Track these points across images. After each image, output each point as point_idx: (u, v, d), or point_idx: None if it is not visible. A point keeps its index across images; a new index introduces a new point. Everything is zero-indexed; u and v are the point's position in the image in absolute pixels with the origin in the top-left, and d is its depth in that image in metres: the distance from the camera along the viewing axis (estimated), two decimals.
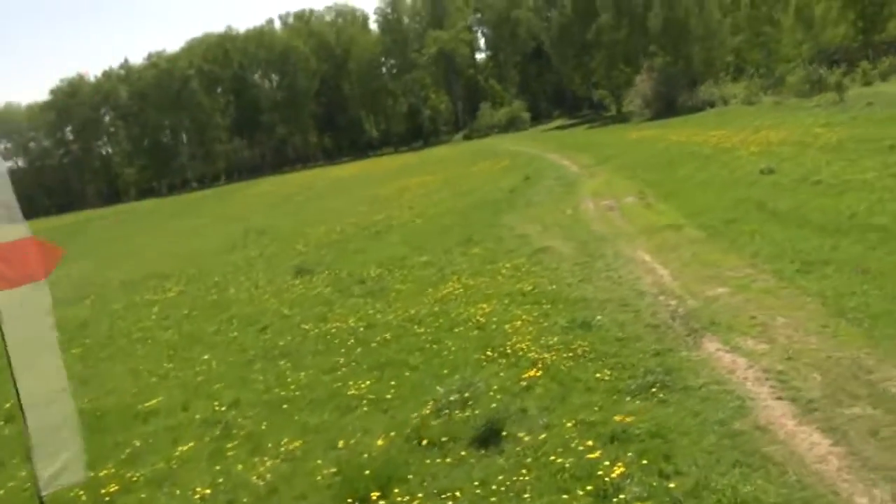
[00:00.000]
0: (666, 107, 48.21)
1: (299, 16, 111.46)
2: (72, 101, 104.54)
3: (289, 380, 8.46)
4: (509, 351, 7.75)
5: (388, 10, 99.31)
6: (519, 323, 8.74)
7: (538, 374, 6.95)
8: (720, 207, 14.27)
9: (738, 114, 35.55)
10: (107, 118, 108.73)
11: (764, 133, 24.17)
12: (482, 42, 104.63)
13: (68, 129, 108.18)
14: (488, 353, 7.85)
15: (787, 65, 48.62)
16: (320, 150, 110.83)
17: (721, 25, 54.55)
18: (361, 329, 9.98)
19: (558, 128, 65.89)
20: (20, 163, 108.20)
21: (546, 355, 7.38)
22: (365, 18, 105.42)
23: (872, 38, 52.42)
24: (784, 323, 7.58)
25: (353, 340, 9.53)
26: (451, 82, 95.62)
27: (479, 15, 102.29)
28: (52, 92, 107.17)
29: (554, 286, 10.39)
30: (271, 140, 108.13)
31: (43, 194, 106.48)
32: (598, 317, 8.61)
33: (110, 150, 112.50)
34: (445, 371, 7.56)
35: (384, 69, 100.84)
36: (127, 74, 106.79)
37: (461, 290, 10.94)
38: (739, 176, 17.89)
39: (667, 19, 52.69)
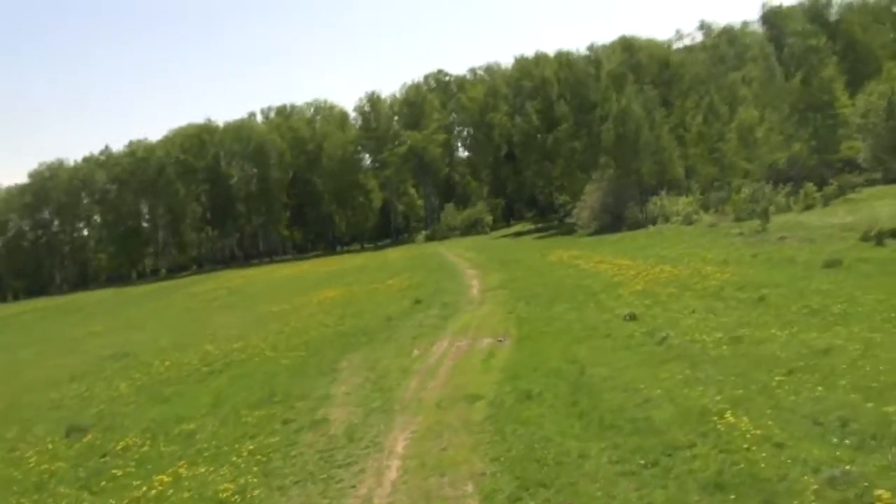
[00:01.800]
0: (613, 220, 47.48)
1: (280, 110, 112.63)
2: (49, 184, 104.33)
3: None
4: None
5: (367, 108, 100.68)
6: None
7: None
8: (545, 370, 12.90)
9: (667, 236, 34.60)
10: (85, 201, 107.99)
11: (658, 268, 23.13)
12: (463, 141, 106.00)
13: (46, 211, 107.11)
14: None
15: (741, 180, 47.80)
16: (290, 244, 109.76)
17: (671, 142, 54.48)
18: None
19: (515, 234, 65.18)
20: None
21: None
22: (344, 115, 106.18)
23: (827, 156, 51.62)
24: None
25: None
26: (422, 180, 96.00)
27: (455, 115, 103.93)
28: (31, 175, 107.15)
29: (258, 491, 8.70)
30: (244, 230, 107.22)
31: (14, 277, 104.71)
32: None
33: (86, 234, 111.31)
34: None
35: (360, 163, 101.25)
36: (106, 160, 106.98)
37: (159, 492, 9.17)
38: (602, 321, 16.75)
39: (619, 133, 52.65)
